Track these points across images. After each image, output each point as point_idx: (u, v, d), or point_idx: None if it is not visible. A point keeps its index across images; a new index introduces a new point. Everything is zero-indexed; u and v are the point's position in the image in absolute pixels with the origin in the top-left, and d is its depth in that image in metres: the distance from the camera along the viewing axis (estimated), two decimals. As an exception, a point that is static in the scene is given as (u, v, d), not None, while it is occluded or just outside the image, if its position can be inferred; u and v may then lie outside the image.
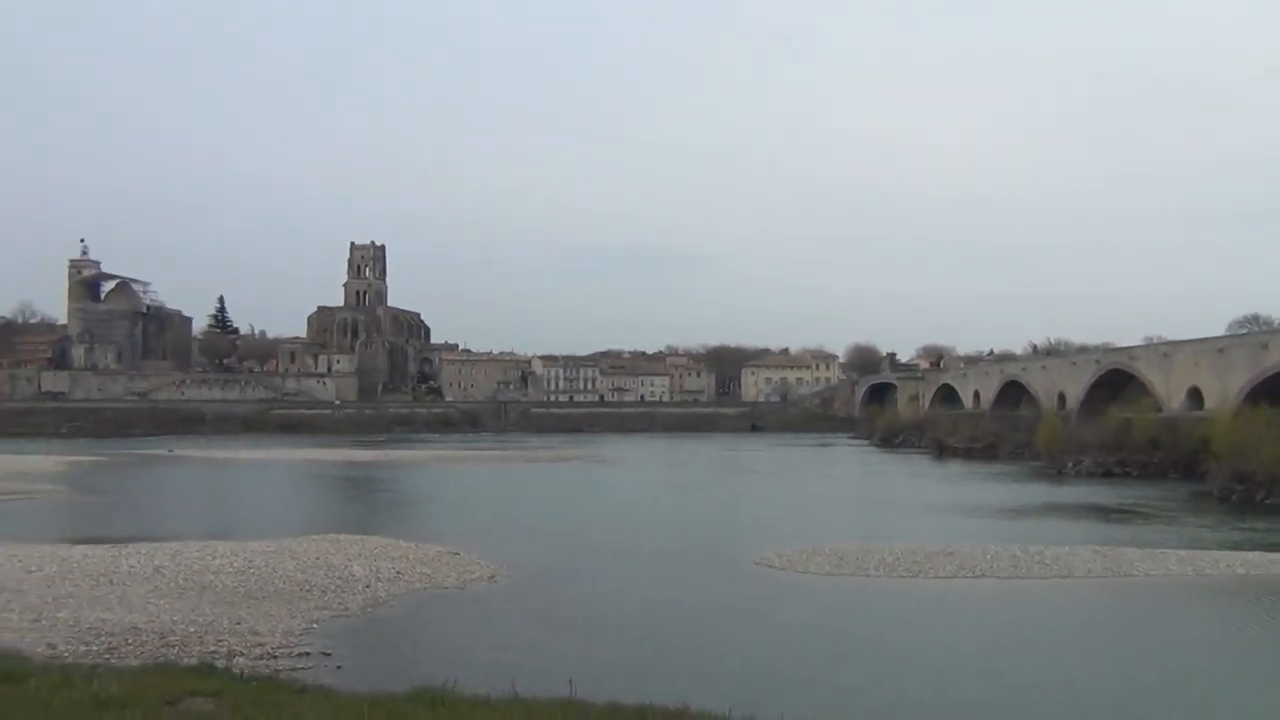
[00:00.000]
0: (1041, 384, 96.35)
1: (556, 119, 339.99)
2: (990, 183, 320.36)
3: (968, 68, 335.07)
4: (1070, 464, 70.78)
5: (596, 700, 10.66)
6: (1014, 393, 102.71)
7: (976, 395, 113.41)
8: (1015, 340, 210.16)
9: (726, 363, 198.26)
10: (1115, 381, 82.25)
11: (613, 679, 16.59)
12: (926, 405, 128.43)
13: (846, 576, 29.41)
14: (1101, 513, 47.87)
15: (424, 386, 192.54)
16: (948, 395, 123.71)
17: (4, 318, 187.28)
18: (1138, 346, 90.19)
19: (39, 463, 78.54)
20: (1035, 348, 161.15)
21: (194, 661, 17.84)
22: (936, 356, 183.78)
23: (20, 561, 28.42)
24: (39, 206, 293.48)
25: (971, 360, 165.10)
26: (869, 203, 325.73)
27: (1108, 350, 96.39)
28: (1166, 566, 30.64)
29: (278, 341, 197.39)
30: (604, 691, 11.81)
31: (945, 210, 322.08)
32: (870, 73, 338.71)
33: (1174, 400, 72.12)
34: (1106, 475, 66.24)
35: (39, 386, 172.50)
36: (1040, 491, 58.98)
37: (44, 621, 21.17)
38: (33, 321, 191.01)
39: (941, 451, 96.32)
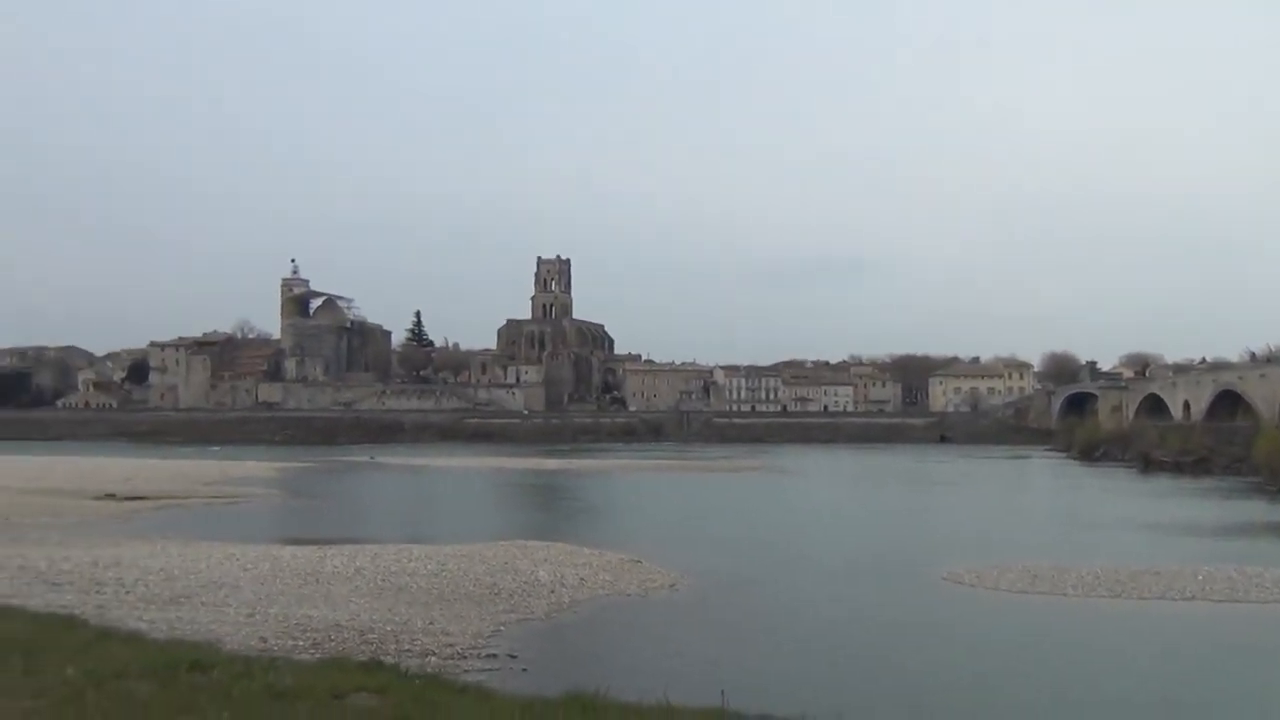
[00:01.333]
0: (1261, 394, 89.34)
1: (738, 130, 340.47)
2: (1198, 176, 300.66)
3: (1165, 60, 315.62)
4: (1294, 480, 65.33)
5: (749, 711, 10.57)
6: (1228, 403, 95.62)
7: (1186, 406, 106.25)
8: (1229, 347, 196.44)
9: (913, 372, 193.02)
10: (1347, 391, 75.50)
11: (776, 691, 16.38)
12: (1130, 416, 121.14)
13: (1041, 595, 28.08)
14: (1331, 533, 43.96)
15: (608, 396, 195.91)
16: (1154, 406, 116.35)
17: (226, 334, 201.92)
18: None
19: (255, 468, 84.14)
20: (1254, 355, 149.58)
21: (391, 660, 18.78)
22: (1141, 365, 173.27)
23: (238, 560, 30.52)
24: (256, 232, 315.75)
25: (1181, 368, 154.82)
26: (1064, 203, 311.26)
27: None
28: None
29: (470, 354, 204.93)
30: (763, 703, 11.70)
31: (1149, 207, 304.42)
32: (1063, 68, 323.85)
33: None
34: (1337, 493, 60.83)
35: (256, 397, 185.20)
36: (1259, 510, 54.66)
37: (257, 616, 22.65)
38: (251, 337, 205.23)
39: (1147, 465, 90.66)
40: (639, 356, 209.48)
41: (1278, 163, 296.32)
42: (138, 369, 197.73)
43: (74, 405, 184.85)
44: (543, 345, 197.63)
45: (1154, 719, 17.26)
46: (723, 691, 11.19)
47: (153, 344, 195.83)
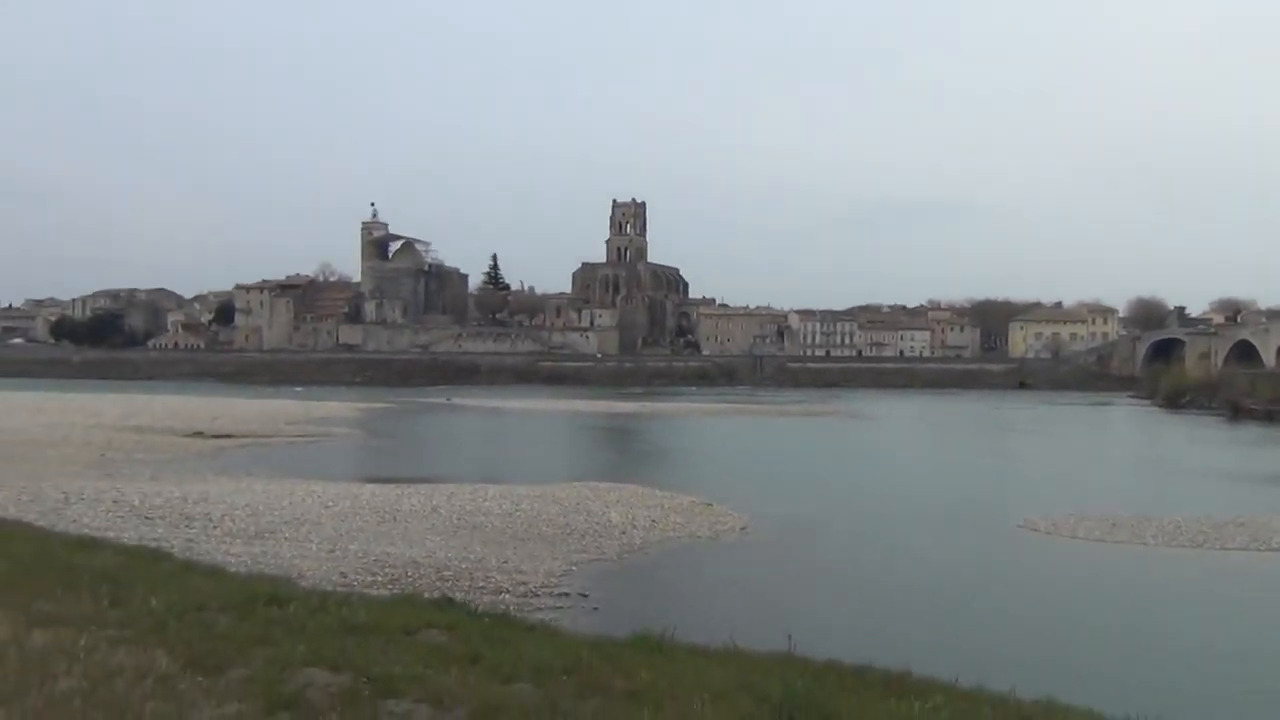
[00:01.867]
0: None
1: (817, 68, 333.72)
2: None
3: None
4: (1394, 430, 62.93)
5: (816, 656, 10.56)
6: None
7: (1279, 353, 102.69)
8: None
9: (992, 317, 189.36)
10: None
11: (843, 637, 16.34)
12: (1219, 364, 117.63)
13: (1119, 544, 27.54)
14: None
15: (681, 340, 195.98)
16: (1244, 353, 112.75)
17: (308, 276, 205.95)
18: None
19: (336, 408, 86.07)
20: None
21: (465, 596, 19.19)
22: (1233, 310, 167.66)
23: (319, 497, 31.33)
24: (337, 178, 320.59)
25: (1275, 314, 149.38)
26: (1151, 141, 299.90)
27: None
28: None
29: (545, 297, 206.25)
30: (829, 648, 11.67)
31: (1238, 148, 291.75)
32: (1150, 11, 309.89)
33: None
34: None
35: (337, 339, 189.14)
36: (1355, 460, 52.82)
37: (337, 552, 23.28)
38: (332, 280, 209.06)
39: (1236, 413, 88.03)
40: (713, 300, 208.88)
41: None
42: (224, 311, 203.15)
43: (163, 346, 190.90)
44: (617, 289, 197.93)
45: (1229, 670, 16.89)
46: (789, 635, 11.19)
47: (238, 287, 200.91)
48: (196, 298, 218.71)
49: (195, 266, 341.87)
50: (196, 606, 9.85)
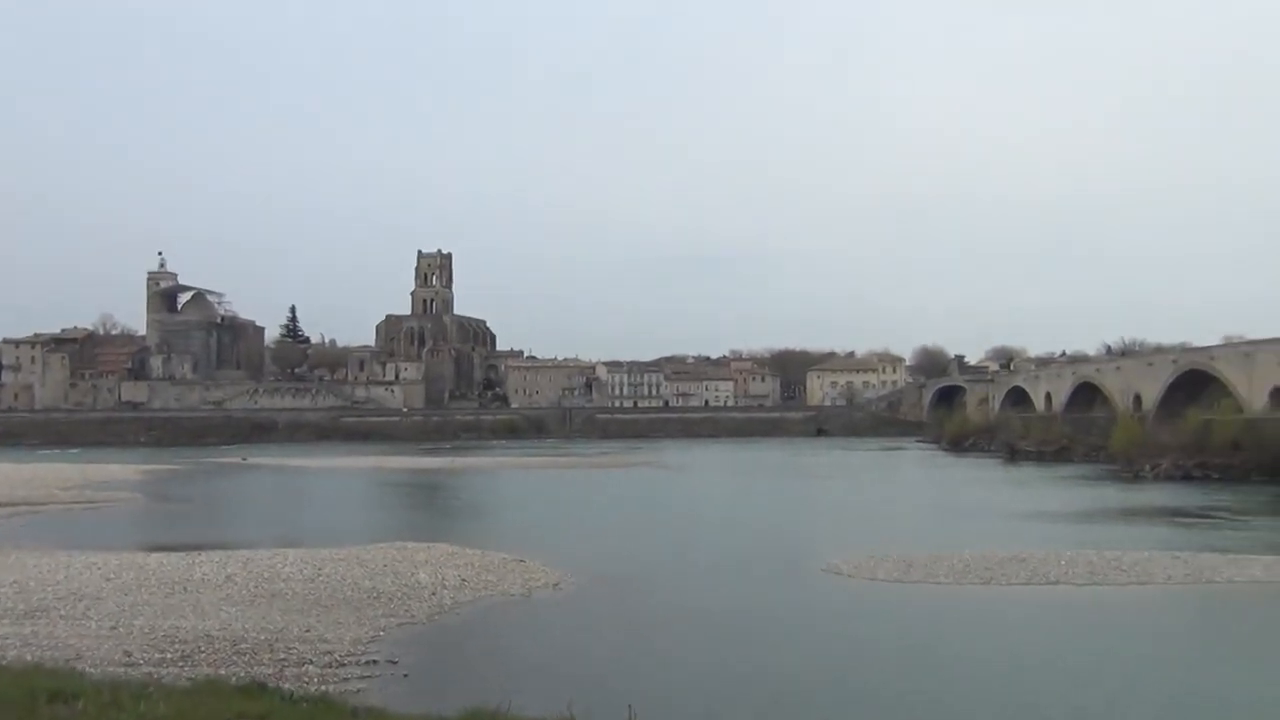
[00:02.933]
0: (1116, 385, 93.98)
1: (615, 128, 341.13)
2: (1058, 182, 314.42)
3: (1033, 68, 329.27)
4: (1147, 467, 68.86)
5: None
6: (1087, 395, 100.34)
7: (1048, 397, 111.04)
8: (1087, 342, 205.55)
9: (791, 366, 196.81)
10: (1194, 383, 79.90)
11: (674, 694, 16.41)
12: (996, 408, 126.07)
13: (915, 584, 28.87)
14: (1181, 517, 46.46)
15: (490, 393, 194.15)
16: (1018, 398, 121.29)
17: (86, 330, 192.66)
18: (1217, 346, 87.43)
19: (118, 471, 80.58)
20: (1109, 348, 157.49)
21: (266, 669, 18.11)
22: (1006, 359, 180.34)
23: (99, 569, 29.11)
24: (120, 223, 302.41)
25: (1043, 362, 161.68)
26: (934, 204, 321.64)
27: (1186, 350, 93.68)
28: (1251, 573, 29.60)
29: (347, 350, 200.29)
30: (664, 711, 11.63)
31: (1013, 210, 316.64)
32: (934, 73, 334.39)
33: (1256, 401, 69.84)
34: (1186, 479, 64.37)
35: (119, 396, 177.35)
36: (1116, 495, 57.49)
37: (121, 629, 21.61)
38: (114, 333, 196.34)
39: (1013, 455, 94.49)
40: (521, 353, 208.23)
41: (1133, 173, 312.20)
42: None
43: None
44: (423, 341, 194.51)
45: (1019, 702, 17.86)
46: (630, 706, 10.97)
47: (5, 340, 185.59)
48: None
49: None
50: (-40, 708, 8.84)
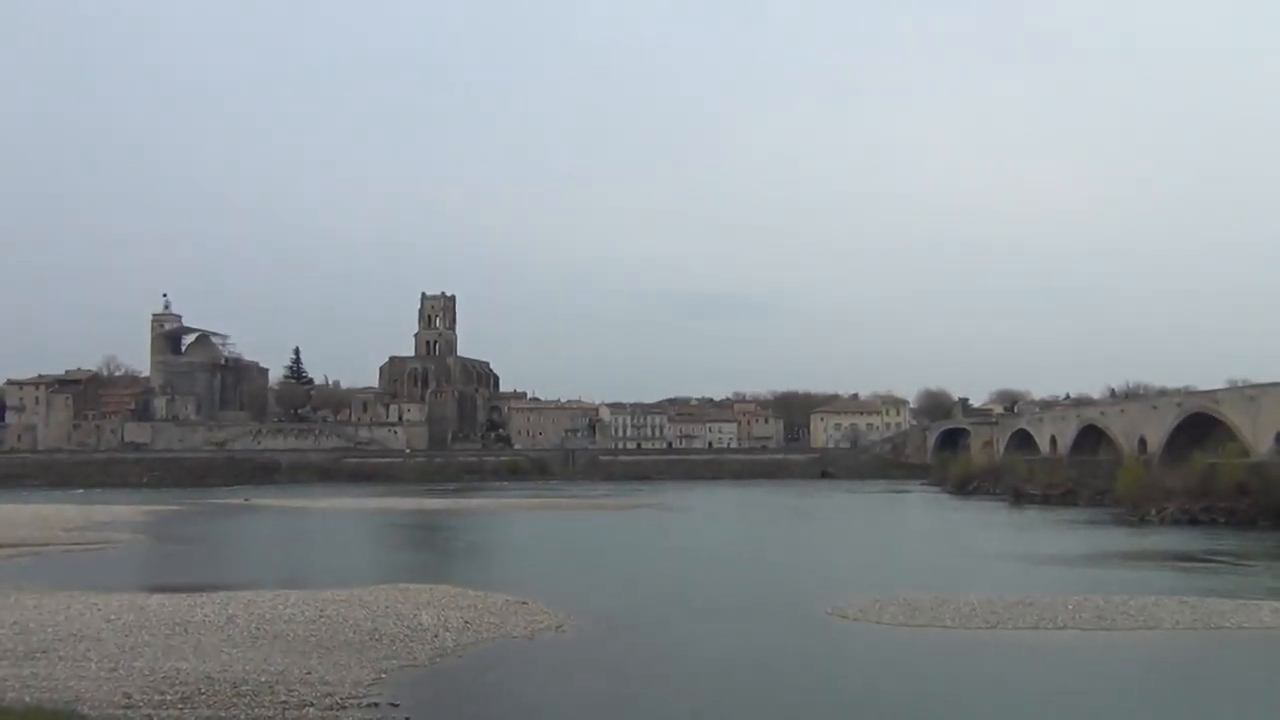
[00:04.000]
0: (1121, 428, 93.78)
1: (624, 169, 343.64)
2: (1060, 224, 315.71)
3: (1047, 107, 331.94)
4: (1153, 511, 68.46)
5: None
6: (1092, 438, 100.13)
7: (1053, 440, 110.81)
8: (1092, 384, 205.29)
9: (795, 409, 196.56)
10: (1199, 425, 79.70)
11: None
12: (1001, 451, 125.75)
13: (921, 628, 28.65)
14: (1188, 562, 46.17)
15: (493, 435, 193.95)
16: (1022, 441, 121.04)
17: (90, 371, 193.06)
18: (1222, 389, 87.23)
19: (120, 512, 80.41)
20: (1113, 391, 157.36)
21: (267, 712, 17.98)
22: (1010, 401, 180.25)
23: (100, 610, 28.98)
24: (124, 265, 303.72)
25: (1047, 405, 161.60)
26: (938, 247, 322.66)
27: (1190, 393, 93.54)
28: (1260, 618, 29.34)
29: (351, 391, 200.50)
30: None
31: (1016, 253, 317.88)
32: (936, 119, 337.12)
33: (1262, 445, 69.63)
34: (1192, 523, 64.00)
35: (122, 437, 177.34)
36: (1122, 539, 57.13)
37: (120, 671, 21.48)
38: (118, 375, 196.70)
39: (1017, 498, 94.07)
40: (524, 394, 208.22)
41: (1138, 218, 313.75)
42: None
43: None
44: (426, 383, 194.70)
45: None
46: None
47: (10, 382, 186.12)
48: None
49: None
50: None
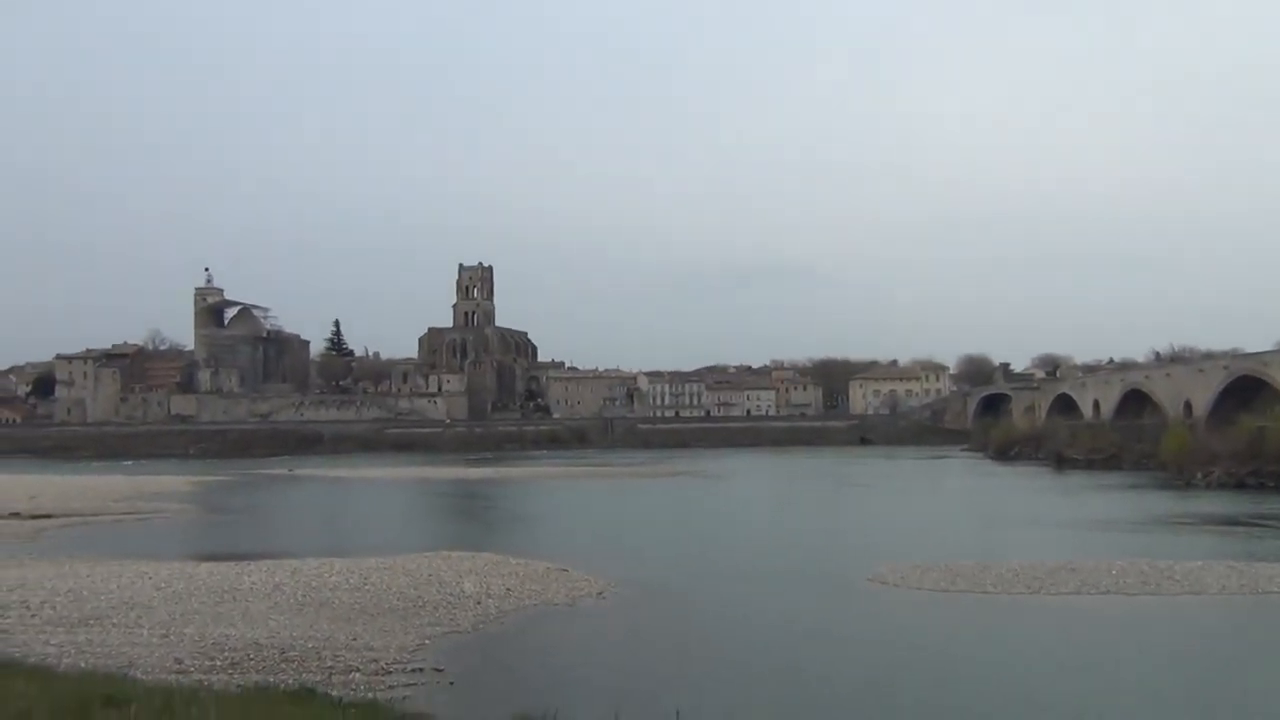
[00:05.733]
0: (1166, 392, 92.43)
1: (659, 136, 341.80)
2: (1104, 185, 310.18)
3: (1087, 66, 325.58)
4: (1199, 475, 67.61)
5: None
6: (1136, 402, 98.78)
7: (1096, 405, 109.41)
8: (1135, 348, 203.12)
9: (834, 375, 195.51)
10: (1246, 389, 78.36)
11: (721, 705, 16.33)
12: (1043, 416, 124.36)
13: (962, 593, 28.54)
14: (1235, 526, 45.57)
15: (531, 404, 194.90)
16: (1065, 405, 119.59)
17: (136, 345, 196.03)
18: (1271, 351, 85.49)
19: (169, 483, 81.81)
20: (1158, 355, 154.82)
21: (314, 677, 18.28)
22: (1052, 366, 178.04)
23: (151, 579, 29.54)
24: (167, 241, 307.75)
25: (1090, 369, 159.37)
26: (979, 209, 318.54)
27: (1238, 356, 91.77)
28: (1309, 583, 28.93)
29: (391, 363, 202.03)
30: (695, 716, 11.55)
31: (1058, 215, 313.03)
32: (971, 76, 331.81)
33: (1312, 407, 68.39)
34: (1239, 487, 63.11)
35: (169, 410, 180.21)
36: (1167, 504, 56.46)
37: (172, 637, 21.92)
38: (163, 348, 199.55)
39: (1060, 463, 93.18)
40: (562, 364, 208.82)
41: (1179, 172, 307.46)
42: (43, 382, 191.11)
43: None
44: (465, 353, 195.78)
45: (1066, 711, 17.58)
46: (678, 712, 10.91)
47: (59, 356, 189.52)
48: (12, 369, 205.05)
49: (10, 335, 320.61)
50: (18, 715, 8.92)
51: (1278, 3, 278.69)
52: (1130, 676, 19.82)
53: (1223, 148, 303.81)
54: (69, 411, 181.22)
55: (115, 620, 23.64)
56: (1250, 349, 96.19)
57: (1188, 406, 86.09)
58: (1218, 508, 53.04)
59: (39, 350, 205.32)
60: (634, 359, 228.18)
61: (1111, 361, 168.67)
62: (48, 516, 51.81)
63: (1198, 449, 72.40)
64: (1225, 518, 48.57)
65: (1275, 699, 18.48)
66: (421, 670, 19.70)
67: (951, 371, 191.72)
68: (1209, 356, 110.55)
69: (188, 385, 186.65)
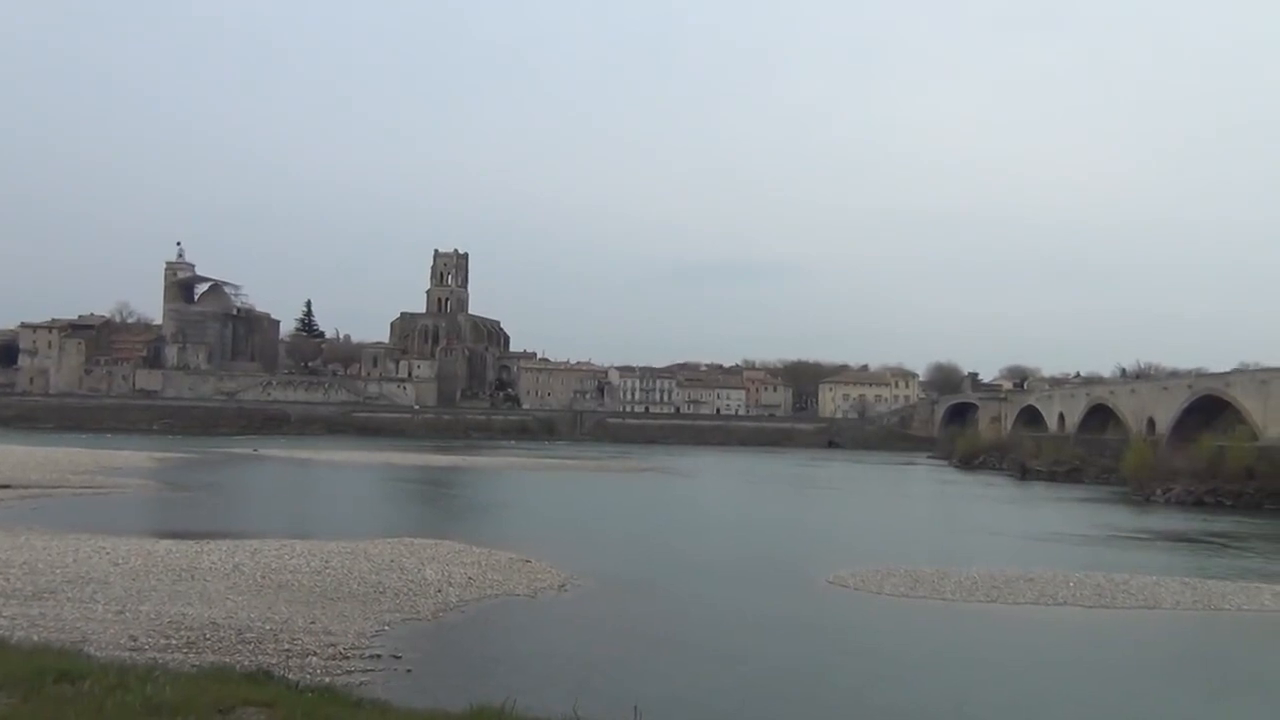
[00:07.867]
0: (1130, 408, 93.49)
1: (636, 133, 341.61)
2: (1076, 202, 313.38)
3: (1063, 81, 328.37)
4: (1159, 491, 68.47)
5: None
6: (1100, 416, 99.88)
7: (1061, 418, 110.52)
8: (1102, 363, 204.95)
9: (804, 378, 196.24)
10: (1208, 408, 79.44)
11: (678, 700, 16.38)
12: (1009, 427, 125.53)
13: (921, 599, 28.79)
14: (1192, 543, 46.21)
15: (502, 394, 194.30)
16: (1031, 417, 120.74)
17: (103, 317, 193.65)
18: (1233, 372, 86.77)
19: (130, 458, 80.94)
20: (1124, 371, 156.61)
21: (270, 659, 18.17)
22: (1020, 377, 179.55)
23: (108, 554, 29.25)
24: (139, 213, 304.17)
25: (1056, 382, 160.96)
26: (952, 221, 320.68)
27: (1201, 375, 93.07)
28: (1261, 602, 29.41)
29: (361, 346, 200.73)
30: (669, 713, 11.60)
31: (1030, 230, 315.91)
32: (949, 89, 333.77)
33: (1271, 429, 69.39)
34: (1197, 504, 63.97)
35: (134, 384, 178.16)
36: (1126, 518, 57.17)
37: (127, 614, 21.71)
38: (130, 321, 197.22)
39: (1024, 474, 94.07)
40: (534, 354, 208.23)
41: (1150, 190, 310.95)
42: (6, 351, 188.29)
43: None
44: (436, 340, 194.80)
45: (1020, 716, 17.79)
46: (636, 707, 10.94)
47: (24, 325, 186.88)
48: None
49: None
50: (-32, 685, 8.84)
51: (1247, 29, 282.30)
52: (1072, 688, 20.05)
53: (1196, 169, 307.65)
54: (31, 381, 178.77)
55: (70, 595, 23.39)
56: (1215, 368, 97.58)
57: (1150, 423, 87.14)
58: (1175, 524, 53.75)
59: (2, 317, 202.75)
60: (606, 353, 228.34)
61: (1078, 376, 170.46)
62: (5, 487, 51.12)
63: (1159, 466, 73.35)
64: (1182, 534, 49.24)
65: (1217, 715, 18.75)
66: (379, 657, 19.64)
67: (921, 379, 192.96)
68: (1174, 375, 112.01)
69: (154, 360, 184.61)
